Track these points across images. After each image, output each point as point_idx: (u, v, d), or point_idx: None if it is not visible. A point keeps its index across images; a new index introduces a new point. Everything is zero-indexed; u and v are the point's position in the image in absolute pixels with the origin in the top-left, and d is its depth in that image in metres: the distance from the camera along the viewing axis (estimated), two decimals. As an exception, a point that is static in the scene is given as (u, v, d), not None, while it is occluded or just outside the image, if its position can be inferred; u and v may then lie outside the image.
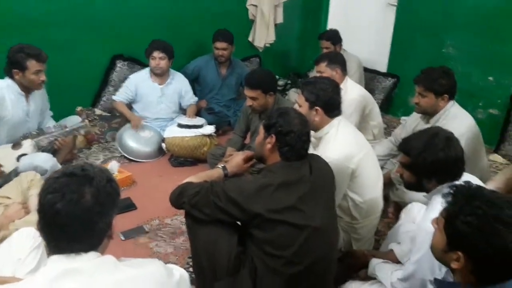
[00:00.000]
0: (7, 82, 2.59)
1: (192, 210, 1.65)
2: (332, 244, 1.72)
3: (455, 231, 1.08)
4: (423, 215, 1.68)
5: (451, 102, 2.43)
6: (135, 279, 1.06)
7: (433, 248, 1.19)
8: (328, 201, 1.72)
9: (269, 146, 1.69)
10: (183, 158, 3.13)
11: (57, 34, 3.28)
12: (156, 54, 3.29)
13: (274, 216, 1.54)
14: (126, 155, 3.21)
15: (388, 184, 2.62)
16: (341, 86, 2.85)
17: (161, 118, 3.48)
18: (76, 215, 1.01)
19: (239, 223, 1.70)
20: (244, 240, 1.66)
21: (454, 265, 1.09)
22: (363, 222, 2.12)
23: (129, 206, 2.59)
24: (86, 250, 1.04)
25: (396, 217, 2.35)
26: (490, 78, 3.64)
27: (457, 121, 2.39)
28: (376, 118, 3.05)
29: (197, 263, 1.73)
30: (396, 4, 4.10)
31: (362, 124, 2.90)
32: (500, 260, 1.02)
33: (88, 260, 1.03)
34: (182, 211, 1.78)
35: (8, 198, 2.21)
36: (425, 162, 1.58)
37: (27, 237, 1.77)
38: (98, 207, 1.04)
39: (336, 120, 2.06)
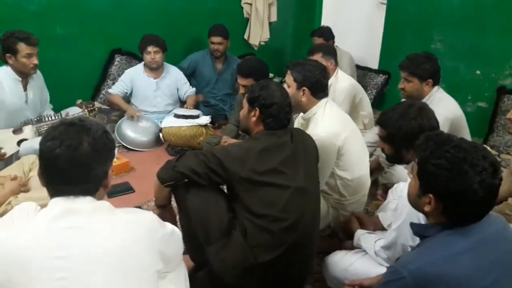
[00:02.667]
0: (4, 69, 2.68)
1: (185, 170, 1.69)
2: (314, 202, 1.81)
3: (426, 174, 1.16)
4: (406, 184, 1.77)
5: (436, 88, 2.52)
6: (128, 222, 1.14)
7: (409, 196, 1.28)
8: (309, 165, 1.81)
9: (253, 119, 1.79)
10: (179, 147, 3.22)
11: (57, 28, 3.41)
12: (151, 49, 3.39)
13: (257, 178, 1.64)
14: (124, 144, 3.30)
15: (377, 169, 2.72)
16: (333, 76, 3.01)
17: (158, 111, 3.58)
18: (74, 160, 1.09)
19: (225, 190, 1.78)
20: (233, 206, 1.73)
21: (427, 208, 1.18)
22: (351, 199, 2.19)
23: (128, 189, 2.69)
24: (84, 194, 1.12)
25: (385, 198, 2.43)
26: (478, 71, 3.75)
27: (442, 105, 2.46)
28: (367, 107, 3.16)
29: (189, 230, 1.76)
30: (386, 2, 4.23)
31: (353, 114, 2.99)
32: (467, 200, 1.10)
33: (86, 202, 1.11)
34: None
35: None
36: (399, 132, 1.67)
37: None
38: (95, 154, 1.12)
39: (323, 101, 2.14)
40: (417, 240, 1.53)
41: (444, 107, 2.46)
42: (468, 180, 1.09)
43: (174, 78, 3.62)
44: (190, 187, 1.73)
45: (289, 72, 2.14)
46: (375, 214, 2.22)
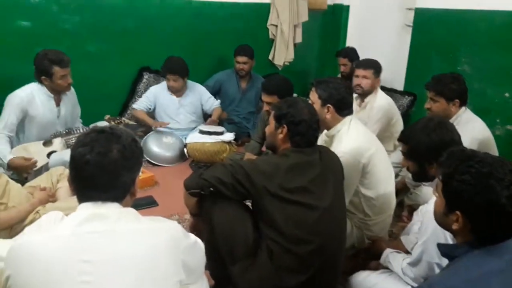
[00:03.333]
0: (38, 85, 2.78)
1: (210, 179, 1.69)
2: (341, 225, 1.78)
3: (451, 191, 1.13)
4: (430, 201, 1.73)
5: (463, 108, 2.49)
6: (153, 230, 1.15)
7: (435, 214, 1.24)
8: (336, 185, 1.77)
9: (281, 136, 1.77)
10: (203, 163, 3.24)
11: (89, 46, 3.54)
12: (170, 76, 3.47)
13: (285, 195, 1.60)
14: (149, 159, 3.36)
15: (403, 190, 2.67)
16: (372, 94, 3.07)
17: (182, 128, 3.64)
18: (103, 166, 1.11)
19: (250, 205, 1.77)
20: (259, 226, 1.71)
21: (455, 226, 1.14)
22: (376, 219, 2.16)
23: (151, 202, 2.72)
24: (111, 200, 1.14)
25: (410, 220, 2.38)
26: (506, 94, 3.66)
27: (469, 126, 2.43)
28: (399, 129, 3.13)
29: (213, 246, 1.73)
30: (411, 24, 4.22)
31: (385, 134, 2.99)
32: (495, 216, 1.06)
33: (113, 208, 1.13)
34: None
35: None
36: (420, 145, 1.66)
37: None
38: (124, 161, 1.14)
39: (347, 119, 2.13)
40: (444, 258, 1.49)
41: (472, 128, 2.42)
42: (495, 194, 1.06)
43: (198, 95, 3.69)
44: (217, 201, 1.72)
45: (313, 89, 2.14)
46: (400, 236, 2.18)
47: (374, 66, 3.08)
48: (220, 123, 3.74)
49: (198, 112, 3.73)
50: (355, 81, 3.11)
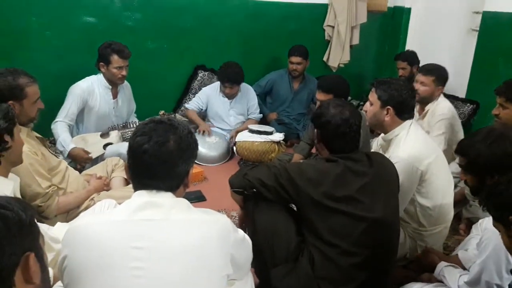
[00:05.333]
0: (98, 77, 2.92)
1: (253, 180, 1.67)
2: (393, 238, 1.68)
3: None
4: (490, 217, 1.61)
5: (535, 117, 2.31)
6: (204, 221, 1.15)
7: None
8: (389, 196, 1.67)
9: (316, 141, 1.72)
10: (251, 162, 3.24)
11: (148, 42, 3.65)
12: (227, 85, 3.47)
13: (331, 204, 1.53)
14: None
15: (461, 201, 2.52)
16: (434, 101, 2.91)
17: (230, 128, 3.65)
18: (160, 155, 1.13)
19: (295, 208, 1.72)
20: (302, 231, 1.67)
21: None
22: (431, 230, 2.05)
23: (200, 197, 2.77)
24: (166, 189, 1.15)
25: (468, 234, 2.24)
26: None
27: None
28: (460, 136, 2.98)
29: (256, 247, 1.72)
30: (477, 29, 3.99)
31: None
32: None
33: (167, 198, 1.14)
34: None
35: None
36: (479, 158, 1.54)
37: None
38: (180, 152, 1.15)
39: (407, 123, 2.02)
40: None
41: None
42: None
43: (247, 99, 3.69)
44: (261, 201, 1.70)
45: (373, 89, 2.05)
46: (455, 250, 2.05)
47: (437, 73, 2.88)
48: (269, 123, 3.73)
49: (246, 113, 3.74)
50: (414, 86, 2.97)
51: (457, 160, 2.84)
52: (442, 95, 2.96)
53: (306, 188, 1.55)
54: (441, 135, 2.79)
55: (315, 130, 1.72)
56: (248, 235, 1.76)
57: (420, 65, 3.83)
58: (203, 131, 3.49)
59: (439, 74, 2.89)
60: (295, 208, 1.74)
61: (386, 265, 1.65)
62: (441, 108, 2.86)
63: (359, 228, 1.54)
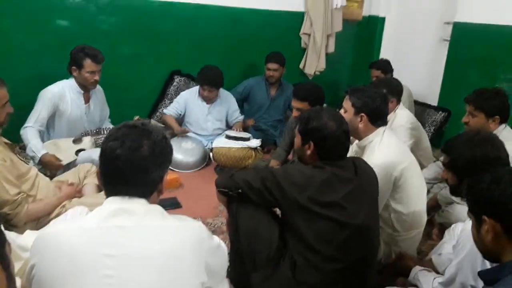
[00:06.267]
0: (69, 81, 2.86)
1: (239, 180, 1.67)
2: (374, 245, 1.70)
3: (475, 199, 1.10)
4: (467, 220, 1.65)
5: (503, 125, 2.38)
6: (177, 228, 1.13)
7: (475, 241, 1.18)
8: (372, 203, 1.70)
9: (308, 152, 1.69)
10: (228, 168, 3.22)
11: (123, 47, 3.59)
12: (207, 87, 3.44)
13: (316, 209, 1.54)
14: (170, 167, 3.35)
15: (434, 206, 2.57)
16: (391, 113, 2.90)
17: (208, 134, 3.63)
18: (133, 161, 1.10)
19: (279, 212, 1.73)
20: (285, 236, 1.66)
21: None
22: (405, 235, 2.08)
23: (175, 204, 2.73)
24: (139, 196, 1.13)
25: (440, 239, 2.29)
26: (548, 114, 3.50)
27: (508, 145, 2.32)
28: (424, 143, 3.04)
29: (236, 250, 1.73)
30: (449, 39, 4.12)
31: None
32: None
33: (140, 204, 1.12)
34: (223, 214, 1.78)
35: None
36: (462, 158, 1.58)
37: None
38: (153, 158, 1.13)
39: (380, 129, 2.06)
40: (480, 280, 1.41)
41: (511, 147, 2.31)
42: None
43: (226, 104, 3.68)
44: (245, 204, 1.69)
45: (347, 97, 2.08)
46: (429, 255, 2.09)
47: (386, 86, 2.83)
48: (246, 129, 3.72)
49: (224, 120, 3.72)
50: None
51: (429, 166, 2.94)
52: (400, 106, 2.97)
53: (292, 192, 1.55)
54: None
55: (309, 143, 1.68)
56: (230, 235, 1.78)
57: (394, 73, 3.93)
58: (182, 132, 3.46)
59: (389, 86, 2.86)
60: (278, 213, 1.74)
61: (367, 271, 1.66)
62: (399, 121, 2.88)
63: (343, 234, 1.55)
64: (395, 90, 2.94)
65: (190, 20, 3.84)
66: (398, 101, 2.95)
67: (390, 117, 2.94)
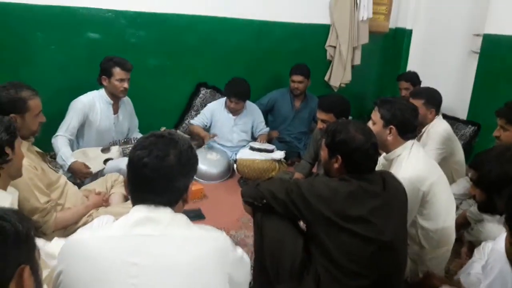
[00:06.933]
0: (99, 92, 2.93)
1: (264, 191, 1.66)
2: (400, 262, 1.66)
3: None
4: (497, 238, 1.59)
5: (536, 140, 2.30)
6: (200, 239, 1.13)
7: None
8: (400, 219, 1.66)
9: (336, 165, 1.66)
10: (251, 180, 3.22)
11: (151, 59, 3.67)
12: (234, 99, 3.48)
13: (342, 223, 1.51)
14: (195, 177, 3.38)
15: (463, 224, 2.49)
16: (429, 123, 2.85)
17: (233, 146, 3.65)
18: (160, 170, 1.12)
19: (303, 226, 1.71)
20: (309, 249, 1.64)
21: None
22: (433, 253, 2.02)
23: (199, 215, 2.73)
24: (165, 204, 1.14)
25: (470, 257, 2.21)
26: None
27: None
28: (458, 156, 2.95)
29: (260, 261, 1.73)
30: (478, 51, 4.03)
31: (442, 162, 2.80)
32: None
33: (165, 213, 1.13)
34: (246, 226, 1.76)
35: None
36: (491, 174, 1.53)
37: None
38: (179, 166, 1.15)
39: (409, 143, 2.02)
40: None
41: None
42: None
43: (252, 116, 3.71)
44: (270, 215, 1.69)
45: (376, 108, 2.04)
46: (457, 274, 2.01)
47: (426, 96, 2.83)
48: (271, 141, 3.72)
49: (249, 131, 3.74)
50: None
51: (458, 181, 2.86)
52: (439, 117, 2.92)
53: (317, 205, 1.53)
54: (435, 150, 2.73)
55: (336, 156, 1.64)
56: (254, 245, 1.78)
57: (422, 85, 3.86)
58: (211, 137, 3.50)
59: (428, 97, 2.83)
60: (302, 226, 1.72)
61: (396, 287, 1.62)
62: (436, 128, 2.81)
63: (369, 250, 1.52)
64: (434, 100, 2.87)
65: (216, 33, 3.89)
66: (437, 112, 2.88)
67: (426, 127, 2.90)
